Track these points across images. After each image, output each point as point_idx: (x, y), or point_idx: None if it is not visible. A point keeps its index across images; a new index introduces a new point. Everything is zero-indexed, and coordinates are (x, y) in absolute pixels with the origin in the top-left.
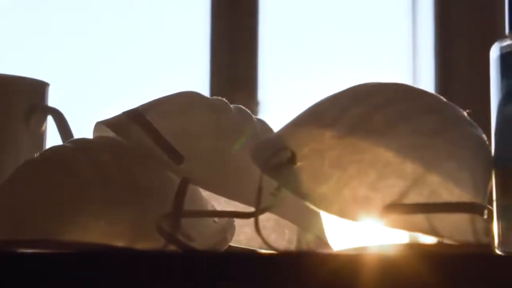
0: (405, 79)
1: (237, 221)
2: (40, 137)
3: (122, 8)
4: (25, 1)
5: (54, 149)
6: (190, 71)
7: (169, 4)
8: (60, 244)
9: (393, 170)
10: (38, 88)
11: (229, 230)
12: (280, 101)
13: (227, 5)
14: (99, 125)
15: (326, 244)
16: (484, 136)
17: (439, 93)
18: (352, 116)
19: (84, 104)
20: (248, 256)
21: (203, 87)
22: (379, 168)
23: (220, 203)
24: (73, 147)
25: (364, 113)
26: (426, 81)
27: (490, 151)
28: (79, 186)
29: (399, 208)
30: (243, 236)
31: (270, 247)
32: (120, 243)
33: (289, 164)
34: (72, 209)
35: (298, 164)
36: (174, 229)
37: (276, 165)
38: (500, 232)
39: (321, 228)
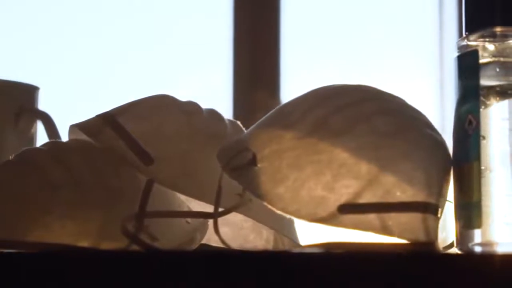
0: (431, 82)
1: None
2: (30, 140)
3: (142, 8)
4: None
5: (27, 151)
6: (212, 71)
7: (191, 4)
8: (23, 244)
9: (348, 170)
10: (28, 92)
11: (200, 230)
12: None
13: (249, 4)
14: (73, 128)
15: (298, 244)
16: (441, 137)
17: None
18: (314, 117)
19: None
20: (204, 255)
21: (225, 87)
22: (335, 168)
23: (200, 204)
24: (45, 149)
25: (325, 114)
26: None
27: (447, 152)
28: (47, 188)
29: (353, 208)
30: (224, 236)
31: (228, 246)
32: (85, 243)
33: (250, 165)
34: (38, 210)
35: (259, 165)
36: (137, 229)
37: (237, 166)
38: (458, 230)
39: (291, 228)
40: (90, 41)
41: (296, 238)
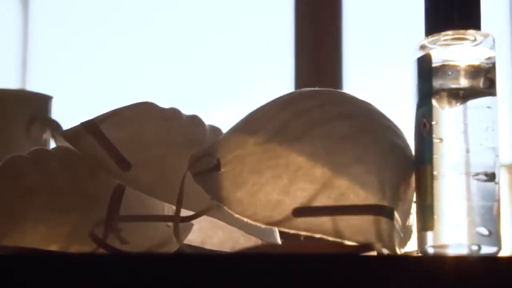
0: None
1: (210, 225)
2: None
3: (203, 14)
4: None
5: (11, 158)
6: (275, 78)
7: (254, 7)
8: None
9: (304, 174)
10: (40, 101)
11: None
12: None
13: (311, 7)
14: (59, 135)
15: (272, 244)
16: (405, 142)
17: None
18: (275, 123)
19: None
20: (166, 258)
21: (288, 89)
22: (292, 172)
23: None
24: (27, 156)
25: (286, 119)
26: None
27: (405, 156)
28: (24, 193)
29: (307, 211)
30: (216, 239)
31: (184, 249)
32: (55, 247)
33: (213, 170)
34: (14, 214)
35: (222, 170)
36: (105, 233)
37: (202, 170)
38: (417, 233)
39: (267, 229)
40: (149, 46)
41: (274, 238)
